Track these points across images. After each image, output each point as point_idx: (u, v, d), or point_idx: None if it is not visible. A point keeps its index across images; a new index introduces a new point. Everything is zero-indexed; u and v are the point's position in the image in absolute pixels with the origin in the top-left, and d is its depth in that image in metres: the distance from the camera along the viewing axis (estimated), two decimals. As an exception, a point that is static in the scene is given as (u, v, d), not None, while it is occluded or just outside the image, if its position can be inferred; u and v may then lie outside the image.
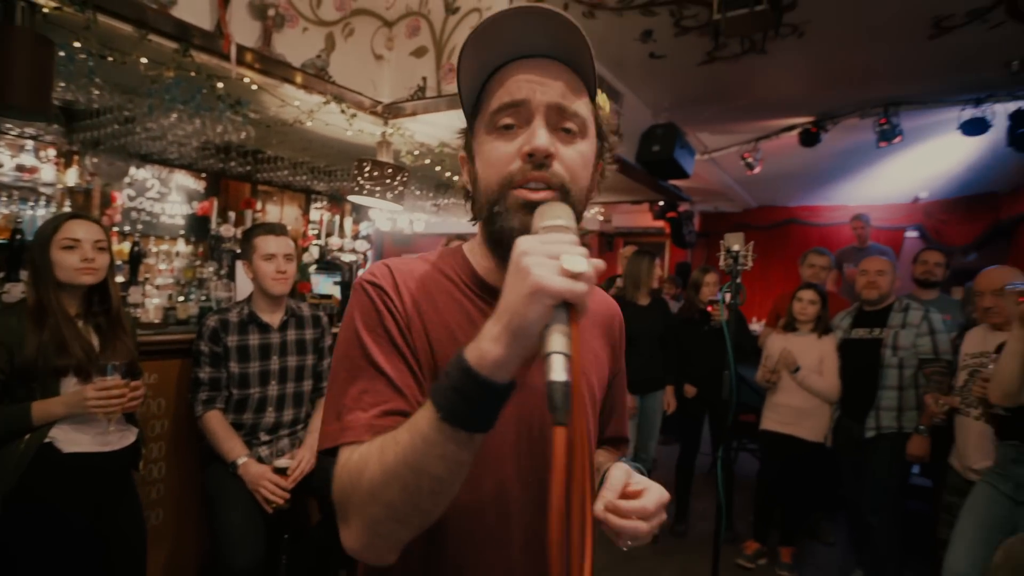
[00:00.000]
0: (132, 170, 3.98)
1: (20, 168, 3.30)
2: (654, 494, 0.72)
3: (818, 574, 3.22)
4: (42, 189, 3.40)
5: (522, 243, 0.56)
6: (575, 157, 0.73)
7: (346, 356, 0.74)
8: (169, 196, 4.39)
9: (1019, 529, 1.92)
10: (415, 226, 5.96)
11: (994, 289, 2.39)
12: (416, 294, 0.78)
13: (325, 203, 5.37)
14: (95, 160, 3.44)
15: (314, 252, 4.57)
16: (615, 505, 0.70)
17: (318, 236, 5.11)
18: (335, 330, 2.68)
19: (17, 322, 1.69)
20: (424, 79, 3.15)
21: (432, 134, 3.43)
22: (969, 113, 3.99)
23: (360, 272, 5.12)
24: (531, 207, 0.68)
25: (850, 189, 6.48)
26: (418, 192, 4.62)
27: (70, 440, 1.72)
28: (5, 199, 3.30)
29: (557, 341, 0.52)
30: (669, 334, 3.63)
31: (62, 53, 2.04)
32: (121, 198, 4.00)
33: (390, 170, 3.11)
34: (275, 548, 2.21)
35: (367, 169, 3.06)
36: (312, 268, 4.19)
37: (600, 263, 0.58)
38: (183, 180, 4.46)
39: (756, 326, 5.04)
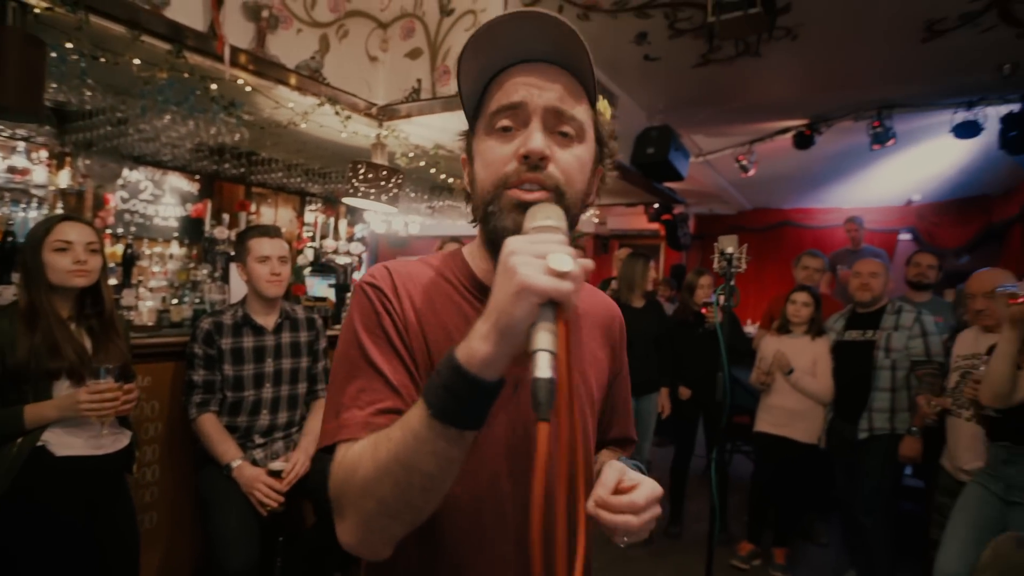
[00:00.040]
0: (125, 172, 3.96)
1: (11, 170, 3.27)
2: (644, 489, 0.72)
3: (811, 575, 3.23)
4: (34, 191, 3.38)
5: (510, 243, 0.58)
6: (571, 160, 0.74)
7: (345, 356, 0.75)
8: (162, 198, 4.37)
9: (1009, 529, 1.93)
10: (410, 228, 5.96)
11: (986, 292, 2.41)
12: (414, 296, 0.79)
13: (320, 205, 5.36)
14: (87, 162, 3.42)
15: (309, 254, 4.56)
16: (605, 500, 0.71)
17: (313, 238, 5.10)
18: (330, 332, 2.67)
19: (9, 325, 1.67)
20: (419, 81, 3.15)
21: (427, 136, 3.43)
22: (961, 116, 4.02)
23: (355, 274, 5.13)
24: (525, 207, 0.69)
25: (844, 192, 6.51)
26: (413, 194, 4.62)
27: (63, 443, 1.71)
28: (-4, 201, 3.28)
29: (543, 339, 0.53)
30: (664, 336, 3.63)
31: (54, 54, 2.03)
32: (114, 200, 3.98)
33: (385, 172, 3.11)
34: (270, 551, 2.20)
35: (362, 171, 3.06)
36: (307, 270, 4.18)
37: (588, 263, 0.58)
38: (176, 182, 4.44)
39: (750, 328, 5.06)
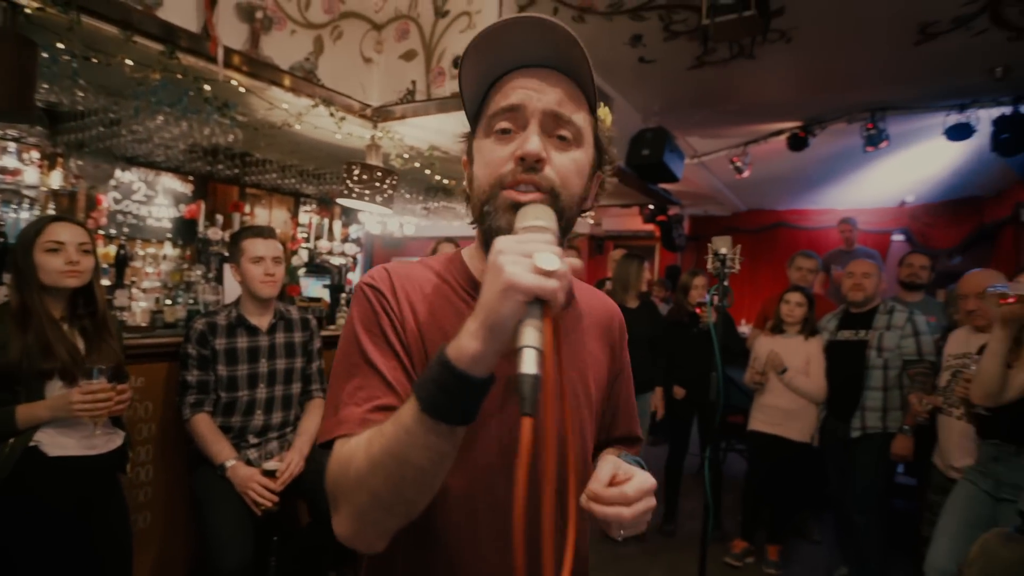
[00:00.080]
0: (118, 173, 3.95)
1: (3, 170, 3.27)
2: (636, 481, 0.73)
3: (804, 572, 3.25)
4: (25, 191, 3.37)
5: (499, 242, 0.59)
6: (568, 164, 0.75)
7: (345, 354, 0.77)
8: (156, 199, 4.36)
9: (999, 525, 1.94)
10: (405, 229, 5.96)
11: (977, 292, 2.43)
12: (412, 296, 0.80)
13: (314, 206, 5.36)
14: (80, 162, 3.41)
15: (303, 255, 4.55)
16: (596, 493, 0.72)
17: (307, 239, 5.10)
18: (324, 333, 2.67)
19: (0, 325, 1.67)
20: (413, 82, 3.15)
21: (421, 137, 3.43)
22: (954, 118, 4.04)
23: (350, 275, 5.12)
24: (519, 208, 0.70)
25: (838, 193, 6.54)
26: (408, 195, 4.62)
27: (55, 443, 1.71)
28: (-12, 201, 3.27)
29: (529, 335, 0.54)
30: (658, 337, 3.64)
31: (45, 54, 2.02)
32: (107, 201, 3.96)
33: (379, 173, 3.11)
34: (264, 551, 2.20)
35: (356, 172, 3.06)
36: (301, 271, 4.17)
37: (576, 261, 0.60)
38: (170, 183, 4.43)
39: (745, 328, 5.07)
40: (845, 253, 4.85)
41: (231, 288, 3.07)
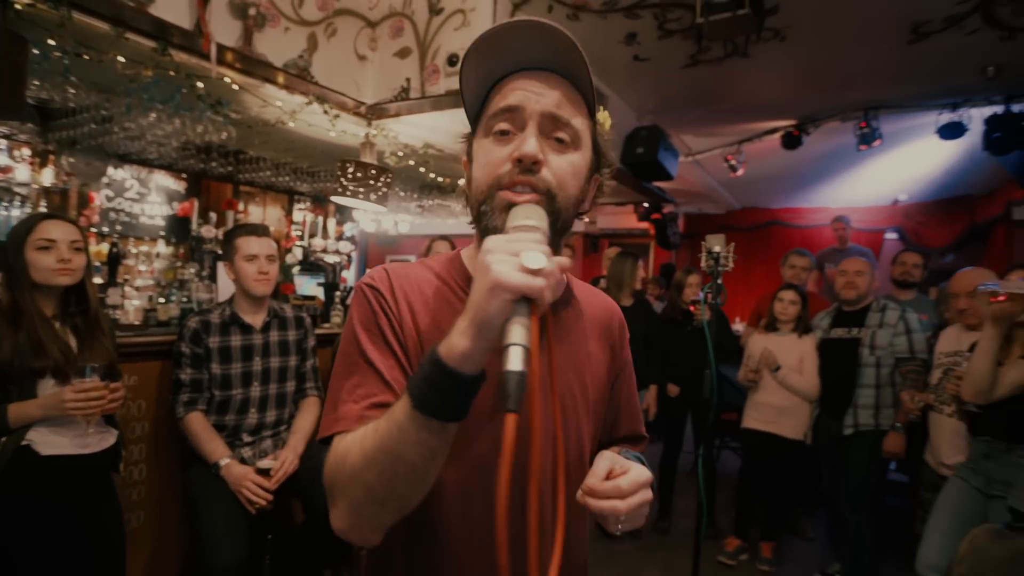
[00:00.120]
0: (110, 170, 3.93)
1: (-6, 168, 3.24)
2: (631, 474, 0.74)
3: (798, 569, 3.27)
4: (16, 189, 3.34)
5: (488, 242, 0.60)
6: (565, 166, 0.76)
7: (345, 353, 0.79)
8: (149, 197, 4.33)
9: (989, 522, 1.96)
10: (400, 227, 5.95)
11: (968, 291, 2.45)
12: (410, 296, 0.82)
13: (308, 204, 5.34)
14: (71, 160, 3.39)
15: (297, 253, 4.54)
16: (591, 488, 0.72)
17: (301, 237, 5.08)
18: (318, 331, 2.67)
19: (-9, 324, 1.66)
20: (408, 80, 3.14)
21: (416, 135, 3.43)
22: (946, 117, 4.07)
23: (344, 273, 5.11)
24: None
25: (831, 191, 6.57)
26: (402, 193, 4.61)
27: (48, 442, 1.70)
28: (-21, 199, 3.24)
29: (516, 333, 0.55)
30: (653, 335, 3.65)
31: (36, 51, 2.01)
32: (99, 198, 3.94)
33: (374, 171, 3.11)
34: (258, 549, 2.19)
35: (350, 170, 3.05)
36: (295, 269, 4.16)
37: (565, 260, 0.61)
38: (163, 180, 4.41)
39: (739, 326, 5.09)
40: (838, 251, 4.87)
41: (225, 286, 3.06)
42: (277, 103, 2.83)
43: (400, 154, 3.66)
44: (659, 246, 6.81)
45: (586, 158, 0.80)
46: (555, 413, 0.76)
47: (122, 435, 1.95)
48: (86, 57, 2.15)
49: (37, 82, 2.27)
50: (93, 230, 3.95)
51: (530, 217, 0.66)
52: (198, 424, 2.15)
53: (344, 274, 5.19)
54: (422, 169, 3.91)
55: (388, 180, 3.18)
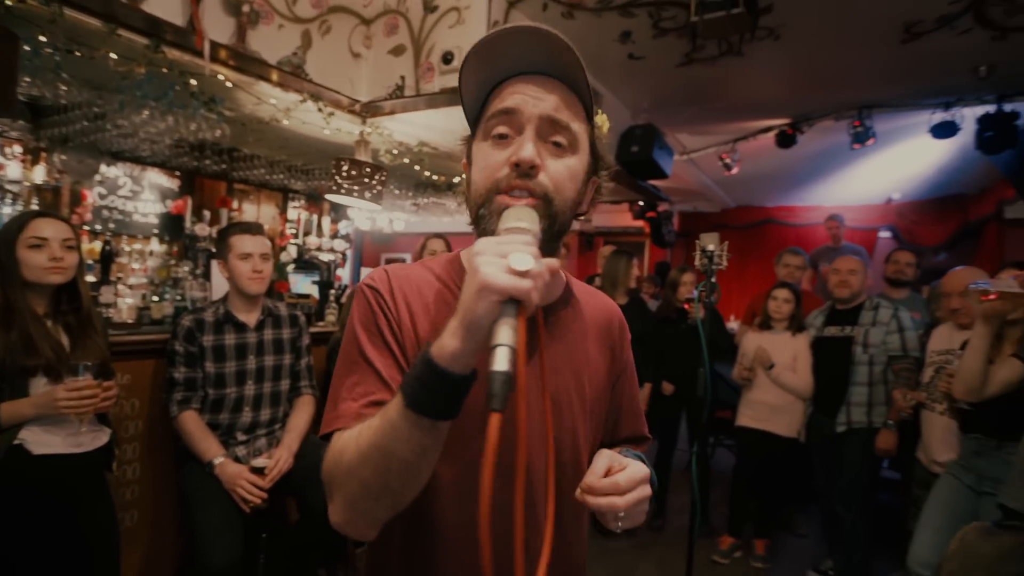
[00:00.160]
0: (103, 168, 3.90)
1: (-15, 165, 3.21)
2: (629, 470, 0.74)
3: (791, 565, 3.29)
4: (8, 186, 3.32)
5: (478, 244, 0.61)
6: (562, 170, 0.77)
7: (346, 352, 0.81)
8: (142, 194, 4.31)
9: (980, 518, 1.98)
10: (395, 225, 5.94)
11: (960, 291, 2.46)
12: (409, 296, 0.83)
13: (303, 202, 5.33)
14: (63, 157, 3.37)
15: (292, 251, 4.53)
16: (589, 485, 0.73)
17: (296, 235, 5.06)
18: (313, 329, 2.66)
19: (-18, 322, 1.65)
20: (402, 78, 3.13)
21: (411, 133, 3.42)
22: (939, 117, 4.09)
23: (339, 271, 5.10)
24: None
25: (825, 190, 6.59)
26: (397, 191, 4.60)
27: (40, 441, 1.69)
28: (-30, 196, 3.22)
29: (503, 334, 0.56)
30: (647, 333, 3.66)
31: (27, 47, 1.99)
32: (92, 196, 3.91)
33: (368, 169, 3.10)
34: (253, 548, 2.19)
35: (345, 168, 3.04)
36: (290, 267, 4.15)
37: (553, 261, 0.62)
38: (156, 178, 4.38)
39: (734, 324, 5.11)
40: (832, 250, 4.90)
41: (219, 284, 3.05)
42: (271, 101, 2.82)
43: (395, 152, 3.66)
44: (654, 244, 6.84)
45: (583, 162, 0.81)
46: (547, 412, 0.76)
47: (115, 434, 1.94)
48: (78, 54, 2.14)
49: (28, 79, 2.25)
50: (86, 228, 3.93)
51: (522, 219, 0.67)
52: (192, 423, 2.14)
53: (339, 272, 5.18)
54: (417, 167, 3.91)
55: (383, 178, 3.18)
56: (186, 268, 3.50)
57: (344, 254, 5.35)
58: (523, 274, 0.57)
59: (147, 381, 2.33)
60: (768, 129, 4.82)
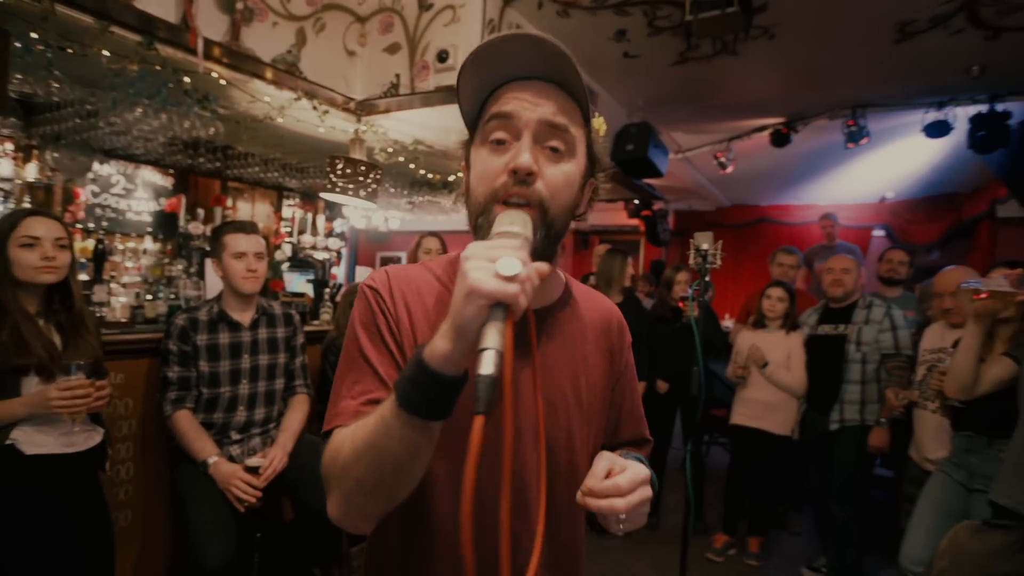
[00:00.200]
0: (95, 165, 3.88)
1: (-24, 162, 3.19)
2: (629, 472, 0.74)
3: (784, 563, 3.31)
4: None
5: (468, 248, 0.62)
6: (558, 176, 0.78)
7: (347, 351, 0.83)
8: (135, 192, 4.29)
9: (971, 515, 2.00)
10: (390, 223, 5.92)
11: (952, 290, 2.48)
12: (408, 297, 0.84)
13: (298, 200, 5.30)
14: (56, 155, 3.34)
15: (286, 250, 4.51)
16: (590, 488, 0.73)
17: (290, 234, 5.05)
18: (308, 328, 2.65)
19: (-26, 322, 1.63)
20: (397, 76, 3.13)
21: (406, 131, 3.41)
22: (932, 116, 4.11)
23: (334, 270, 5.09)
24: None
25: (819, 189, 6.61)
26: (392, 190, 4.59)
27: (32, 441, 1.68)
28: (-39, 194, 3.19)
29: (490, 338, 0.57)
30: (642, 332, 3.67)
31: (18, 44, 1.97)
32: (84, 194, 3.89)
33: (363, 167, 3.09)
34: (247, 547, 2.18)
35: (340, 166, 3.04)
36: (284, 266, 4.14)
37: (543, 266, 0.63)
38: (150, 176, 4.36)
39: (728, 323, 5.13)
40: (826, 248, 4.91)
41: (213, 283, 3.04)
42: (265, 98, 2.81)
43: (390, 150, 3.65)
44: (649, 243, 6.84)
45: (580, 166, 0.82)
46: (539, 414, 0.76)
47: (108, 433, 1.94)
48: (70, 51, 2.12)
49: (20, 76, 2.23)
50: (78, 226, 3.90)
51: (514, 223, 0.68)
52: (186, 422, 2.14)
53: (334, 271, 5.16)
54: (412, 165, 3.90)
55: (378, 176, 3.17)
56: (180, 267, 3.49)
57: (339, 253, 5.34)
58: (511, 279, 0.57)
59: (141, 380, 2.32)
60: (763, 128, 4.83)
